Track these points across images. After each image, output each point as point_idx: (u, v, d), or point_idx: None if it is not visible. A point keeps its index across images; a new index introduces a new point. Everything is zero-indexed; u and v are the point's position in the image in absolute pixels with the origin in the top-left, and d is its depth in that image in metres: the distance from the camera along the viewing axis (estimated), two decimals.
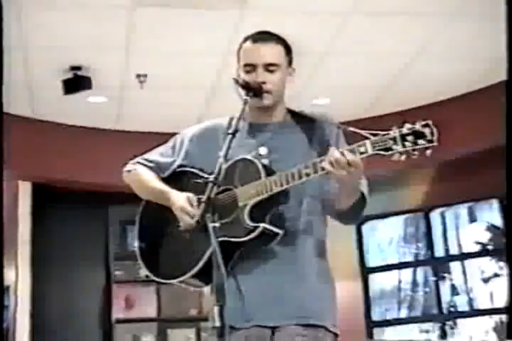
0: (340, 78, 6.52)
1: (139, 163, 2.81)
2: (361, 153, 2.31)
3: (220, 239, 2.38)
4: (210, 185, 2.32)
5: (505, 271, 6.86)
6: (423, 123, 2.27)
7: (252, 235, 2.43)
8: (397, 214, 7.84)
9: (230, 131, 2.44)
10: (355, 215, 2.57)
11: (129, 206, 8.56)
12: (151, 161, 2.78)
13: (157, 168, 2.76)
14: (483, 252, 7.27)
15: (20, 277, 7.31)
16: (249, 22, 5.35)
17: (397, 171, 7.44)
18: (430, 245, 7.57)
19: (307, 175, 2.39)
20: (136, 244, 2.76)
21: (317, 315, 2.51)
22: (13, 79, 5.98)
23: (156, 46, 5.82)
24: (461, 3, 5.31)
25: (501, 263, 7.04)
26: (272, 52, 2.61)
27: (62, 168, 7.25)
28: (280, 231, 2.47)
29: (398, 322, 7.63)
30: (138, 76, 6.28)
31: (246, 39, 2.67)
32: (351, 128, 2.46)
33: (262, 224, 2.44)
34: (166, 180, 2.72)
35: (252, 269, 2.52)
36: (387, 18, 5.51)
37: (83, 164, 7.31)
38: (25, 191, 7.53)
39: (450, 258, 7.47)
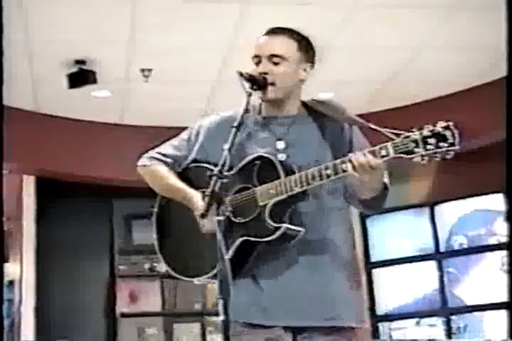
0: (343, 72, 6.51)
1: (153, 157, 2.77)
2: (382, 156, 2.29)
3: (241, 238, 2.45)
4: (215, 178, 2.32)
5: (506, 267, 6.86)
6: (444, 125, 2.23)
7: (275, 235, 2.42)
8: (402, 208, 7.82)
9: (235, 125, 2.44)
10: (378, 204, 2.56)
11: (133, 200, 8.61)
12: (165, 155, 2.75)
13: (172, 163, 2.73)
14: (488, 246, 7.26)
15: (24, 271, 7.33)
16: (252, 16, 5.34)
17: (402, 165, 7.42)
18: (435, 239, 7.55)
19: (328, 176, 2.38)
20: (155, 237, 2.73)
21: (343, 315, 2.51)
22: (17, 74, 5.99)
23: (160, 40, 5.81)
24: None
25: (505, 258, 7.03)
26: (278, 44, 2.61)
27: (67, 162, 7.25)
28: (302, 229, 2.46)
29: (403, 316, 7.62)
30: (142, 70, 6.27)
31: (262, 34, 2.67)
32: (372, 126, 2.46)
33: (284, 225, 2.43)
34: (182, 175, 2.71)
35: (272, 266, 2.51)
36: (388, 12, 5.48)
37: (87, 158, 7.32)
38: (29, 185, 7.54)
39: (455, 252, 7.46)
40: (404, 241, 7.76)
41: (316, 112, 2.67)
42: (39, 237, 7.47)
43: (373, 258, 7.85)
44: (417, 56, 6.29)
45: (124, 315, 7.75)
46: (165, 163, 2.74)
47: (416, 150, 2.23)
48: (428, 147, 2.21)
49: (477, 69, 6.62)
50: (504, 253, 7.02)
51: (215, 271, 2.42)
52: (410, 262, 7.69)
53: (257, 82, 2.54)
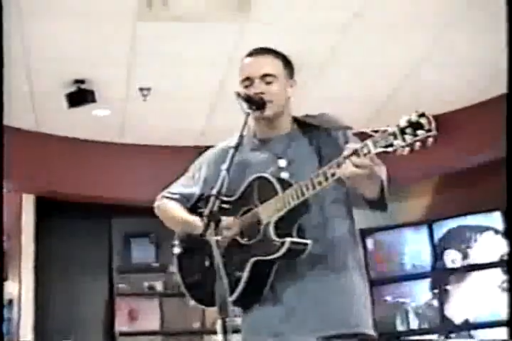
0: (343, 90, 6.54)
1: (164, 197, 2.84)
2: (365, 154, 2.31)
3: (253, 259, 2.48)
4: (213, 198, 2.34)
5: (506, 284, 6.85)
6: (419, 113, 2.25)
7: (282, 251, 2.44)
8: (400, 226, 7.83)
9: (232, 145, 2.48)
10: (383, 202, 2.53)
11: (132, 218, 8.57)
12: (174, 193, 2.82)
13: (182, 199, 2.80)
14: (486, 264, 7.25)
15: (23, 290, 7.31)
16: (251, 35, 5.37)
17: (401, 183, 7.44)
18: (434, 257, 7.55)
19: (319, 183, 2.40)
20: (175, 270, 2.77)
21: (362, 322, 2.54)
22: (16, 93, 6.01)
23: (159, 59, 5.84)
24: (461, 13, 5.32)
25: (504, 276, 7.02)
26: (267, 64, 2.66)
27: (66, 181, 7.26)
28: (308, 241, 2.48)
29: (402, 334, 7.60)
30: (141, 89, 6.29)
31: (245, 56, 2.72)
32: (354, 130, 2.54)
33: (288, 239, 2.45)
34: (193, 210, 2.74)
35: (290, 283, 2.53)
36: (387, 29, 5.52)
37: (86, 177, 7.32)
38: (28, 204, 7.54)
39: (453, 270, 7.45)
40: (403, 259, 7.76)
41: (308, 127, 2.69)
42: (38, 256, 7.47)
43: (372, 276, 7.82)
44: (416, 73, 6.30)
45: (122, 334, 7.73)
46: (174, 199, 2.81)
47: (395, 142, 2.24)
48: (406, 137, 2.23)
49: (476, 86, 6.63)
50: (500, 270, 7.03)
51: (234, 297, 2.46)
52: (409, 280, 7.68)
53: (255, 102, 2.58)
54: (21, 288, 7.31)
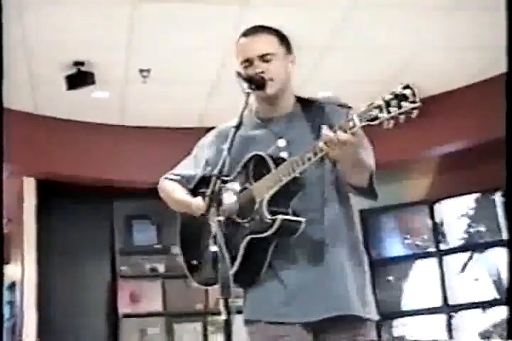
0: (343, 73, 6.52)
1: (166, 178, 2.85)
2: (351, 128, 2.29)
3: (248, 236, 2.49)
4: (214, 178, 2.34)
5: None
6: (404, 85, 2.22)
7: (273, 228, 2.44)
8: (402, 206, 7.83)
9: (234, 124, 2.46)
10: (371, 190, 2.55)
11: (133, 201, 8.60)
12: (176, 175, 2.82)
13: (182, 180, 2.79)
14: (487, 244, 7.26)
15: (26, 273, 7.33)
16: (251, 16, 5.34)
17: (401, 163, 7.44)
18: (435, 237, 7.56)
19: (309, 159, 2.39)
20: (179, 252, 2.79)
21: (356, 305, 2.54)
22: (16, 75, 5.99)
23: (159, 41, 5.82)
24: None
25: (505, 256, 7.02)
26: (263, 43, 2.64)
27: (67, 164, 7.26)
28: (301, 220, 2.47)
29: (405, 314, 7.62)
30: (141, 71, 6.27)
31: (240, 36, 2.70)
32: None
33: (279, 216, 2.45)
34: (195, 190, 2.74)
35: (290, 265, 2.53)
36: (387, 11, 5.49)
37: (87, 159, 7.32)
38: (29, 187, 7.54)
39: (455, 250, 7.46)
40: (405, 239, 7.77)
41: (311, 106, 2.68)
42: (40, 239, 7.48)
43: (374, 257, 7.83)
44: (416, 56, 6.29)
45: (125, 316, 7.76)
46: (175, 180, 2.81)
47: (380, 115, 2.22)
48: (391, 109, 2.21)
49: (477, 68, 6.62)
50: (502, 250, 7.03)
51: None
52: (411, 260, 7.69)
53: (256, 82, 2.56)
54: (24, 270, 7.34)
